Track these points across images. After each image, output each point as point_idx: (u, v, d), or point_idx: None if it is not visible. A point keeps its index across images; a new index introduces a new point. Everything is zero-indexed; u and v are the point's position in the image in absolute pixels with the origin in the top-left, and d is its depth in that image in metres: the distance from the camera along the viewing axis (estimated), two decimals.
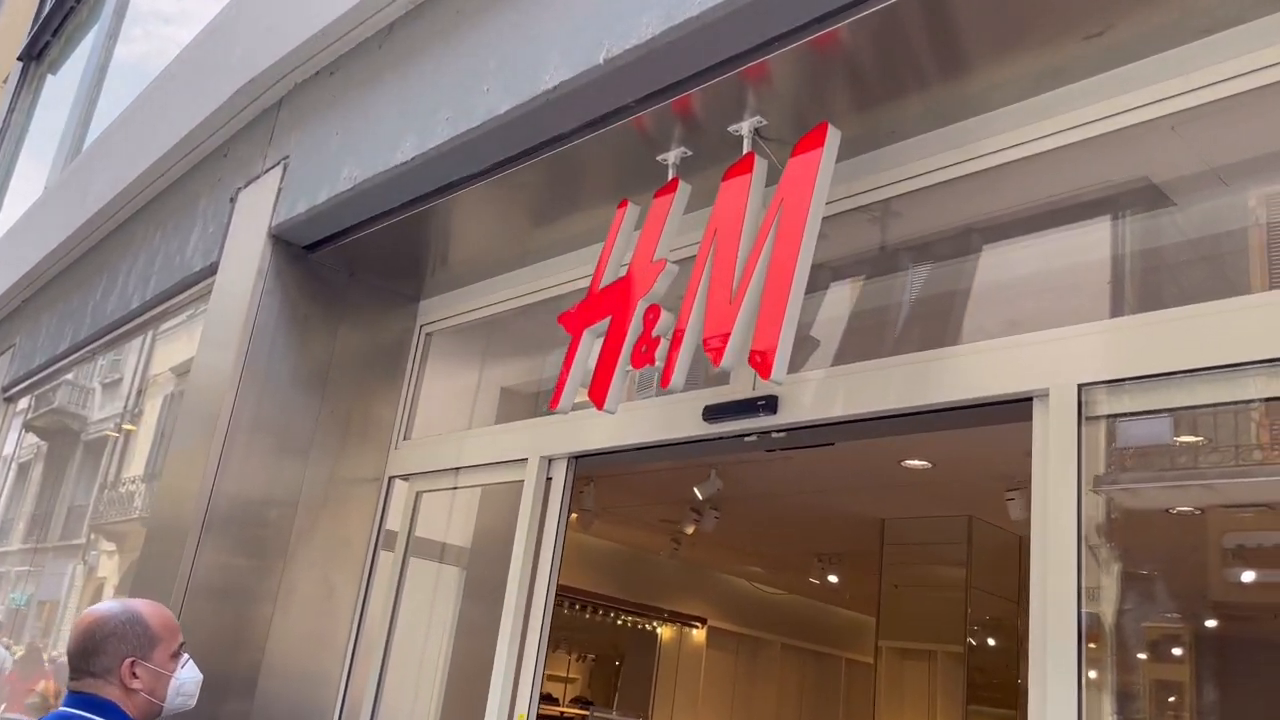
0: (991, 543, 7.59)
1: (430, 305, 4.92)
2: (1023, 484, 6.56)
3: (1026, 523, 6.66)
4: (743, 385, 3.29)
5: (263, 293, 4.41)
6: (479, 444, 4.36)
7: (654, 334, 3.07)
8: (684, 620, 11.62)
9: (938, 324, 3.23)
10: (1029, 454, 2.61)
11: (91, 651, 2.39)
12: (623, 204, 3.41)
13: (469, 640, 4.68)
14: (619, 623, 11.20)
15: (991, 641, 7.64)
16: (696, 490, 7.12)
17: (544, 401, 4.98)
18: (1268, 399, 2.35)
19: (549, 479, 3.92)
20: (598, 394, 3.18)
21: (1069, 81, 2.75)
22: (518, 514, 3.97)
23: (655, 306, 3.10)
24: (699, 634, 11.77)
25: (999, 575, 7.70)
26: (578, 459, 3.86)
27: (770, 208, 2.88)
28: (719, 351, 2.82)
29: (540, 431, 4.02)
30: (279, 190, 4.52)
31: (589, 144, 3.36)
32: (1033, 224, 3.12)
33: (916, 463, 6.40)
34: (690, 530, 8.21)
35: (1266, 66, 2.42)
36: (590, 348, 3.32)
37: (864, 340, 3.35)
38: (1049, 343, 2.63)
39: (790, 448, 3.33)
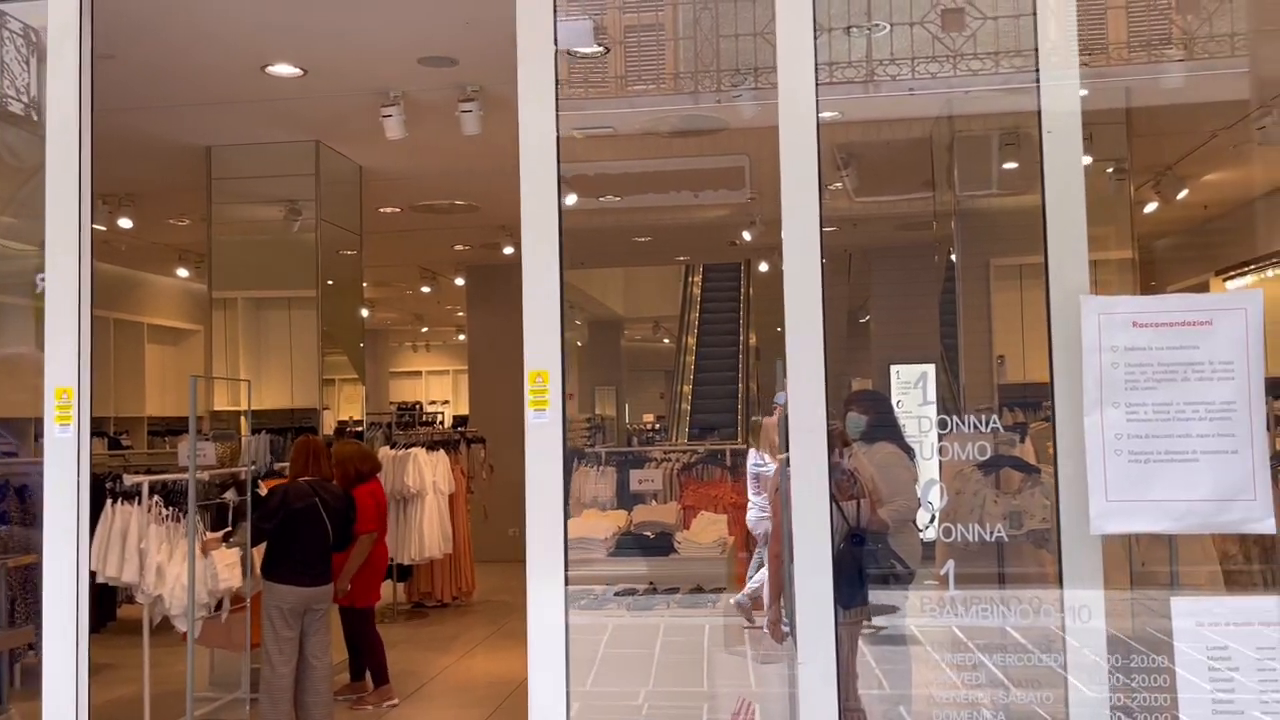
0: (335, 173, 6.68)
1: None
2: (400, 98, 5.68)
3: (400, 144, 5.82)
4: None
5: None
6: None
7: None
8: None
9: None
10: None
11: None
12: None
13: None
14: None
15: (336, 282, 6.91)
16: None
17: None
18: None
19: None
20: None
21: None
22: None
23: None
24: None
25: (344, 209, 6.90)
26: None
27: None
28: None
29: None
30: None
31: None
32: None
33: (284, 69, 5.13)
34: None
35: None
36: None
37: None
38: None
39: None
